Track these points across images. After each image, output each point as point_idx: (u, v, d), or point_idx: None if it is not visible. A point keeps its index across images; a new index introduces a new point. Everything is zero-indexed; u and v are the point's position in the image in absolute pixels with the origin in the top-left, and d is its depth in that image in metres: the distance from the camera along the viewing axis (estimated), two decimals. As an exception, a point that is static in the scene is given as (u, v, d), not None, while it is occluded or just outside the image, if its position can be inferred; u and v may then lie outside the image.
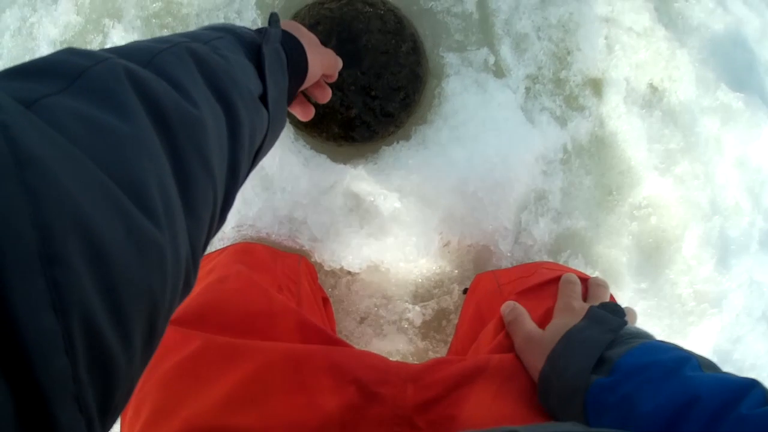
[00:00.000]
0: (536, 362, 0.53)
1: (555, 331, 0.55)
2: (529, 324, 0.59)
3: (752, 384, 0.38)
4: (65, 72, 0.27)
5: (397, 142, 0.85)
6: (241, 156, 0.40)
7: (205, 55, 0.38)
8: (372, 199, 0.81)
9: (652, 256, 0.99)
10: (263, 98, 0.45)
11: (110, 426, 0.26)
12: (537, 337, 0.56)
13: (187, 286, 0.33)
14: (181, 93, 0.33)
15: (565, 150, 0.91)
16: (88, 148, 0.24)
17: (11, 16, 1.01)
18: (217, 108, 0.37)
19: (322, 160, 0.83)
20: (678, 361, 0.43)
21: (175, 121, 0.31)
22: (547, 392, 0.50)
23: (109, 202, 0.24)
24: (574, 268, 0.79)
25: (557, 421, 0.49)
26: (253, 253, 0.77)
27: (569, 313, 0.59)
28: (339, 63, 0.68)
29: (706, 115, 1.03)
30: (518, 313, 0.61)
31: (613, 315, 0.53)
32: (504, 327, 0.63)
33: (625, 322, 0.52)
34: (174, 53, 0.36)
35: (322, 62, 0.61)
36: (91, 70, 0.28)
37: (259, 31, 0.50)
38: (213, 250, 0.81)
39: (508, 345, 0.60)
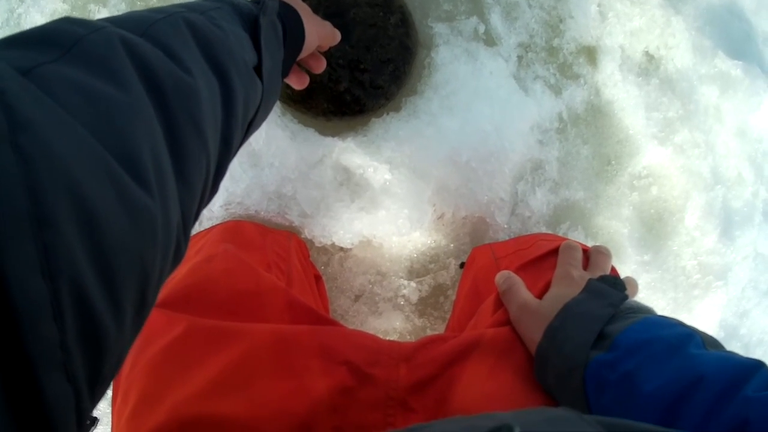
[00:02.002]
0: (532, 334, 0.49)
1: (552, 301, 0.51)
2: (525, 293, 0.54)
3: (757, 365, 0.36)
4: (61, 40, 0.26)
5: (387, 114, 0.80)
6: (234, 125, 0.39)
7: (201, 25, 0.37)
8: (362, 171, 0.76)
9: (654, 227, 0.93)
10: (258, 69, 0.44)
11: (99, 398, 0.25)
12: (533, 306, 0.52)
13: (178, 255, 0.32)
14: (176, 62, 0.32)
15: (560, 119, 0.85)
16: (81, 115, 0.24)
17: (-1, 9, 0.97)
18: (211, 77, 0.36)
19: (310, 133, 0.78)
20: (681, 338, 0.40)
21: (169, 88, 0.30)
22: (544, 368, 0.46)
23: (100, 169, 0.23)
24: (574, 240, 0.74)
25: (549, 405, 0.46)
26: (242, 231, 0.72)
27: (568, 282, 0.54)
28: (337, 35, 0.65)
29: (704, 84, 0.97)
30: (513, 282, 0.56)
31: (613, 288, 0.48)
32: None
33: (626, 297, 0.48)
34: (170, 23, 0.35)
35: (319, 33, 0.59)
36: (87, 39, 0.27)
37: (257, 1, 0.48)
38: (202, 229, 0.76)
39: (507, 321, 0.55)
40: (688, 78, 0.95)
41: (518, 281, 0.56)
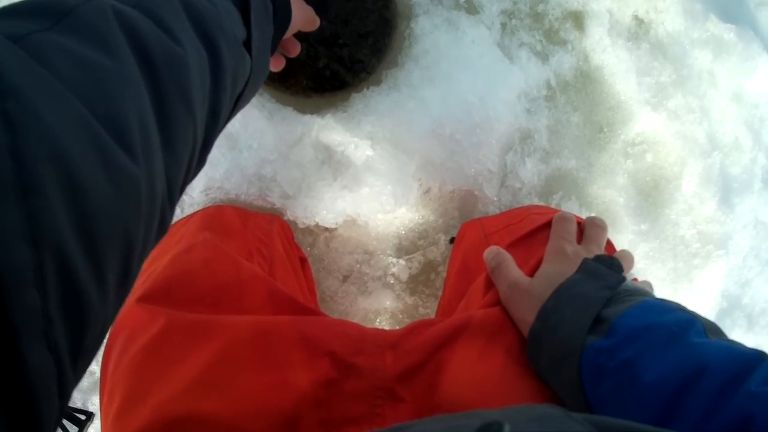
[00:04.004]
0: (524, 315, 0.45)
1: (545, 280, 0.46)
2: (515, 270, 0.49)
3: (760, 357, 0.34)
4: (54, 10, 0.26)
5: (367, 88, 0.74)
6: (222, 98, 0.38)
7: None
8: (343, 149, 0.70)
9: (651, 195, 0.86)
10: (247, 44, 0.43)
11: (82, 370, 0.24)
12: (524, 285, 0.47)
13: (162, 226, 0.31)
14: (167, 33, 0.32)
15: (548, 86, 0.79)
16: (71, 83, 0.23)
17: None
18: (201, 50, 0.35)
19: (288, 112, 0.72)
20: (682, 325, 0.37)
21: (159, 59, 0.30)
22: (537, 352, 0.42)
23: (87, 135, 0.22)
24: (567, 211, 0.68)
25: (541, 392, 0.43)
26: (222, 217, 0.67)
27: (561, 259, 0.49)
28: (317, 21, 0.63)
29: (696, 48, 0.90)
30: (502, 258, 0.51)
31: (610, 269, 0.44)
32: None
33: (623, 278, 0.43)
34: None
35: (303, 16, 0.57)
36: (79, 9, 0.27)
37: None
38: (183, 216, 0.71)
39: (498, 301, 0.50)
40: (680, 42, 0.88)
41: (508, 257, 0.51)
